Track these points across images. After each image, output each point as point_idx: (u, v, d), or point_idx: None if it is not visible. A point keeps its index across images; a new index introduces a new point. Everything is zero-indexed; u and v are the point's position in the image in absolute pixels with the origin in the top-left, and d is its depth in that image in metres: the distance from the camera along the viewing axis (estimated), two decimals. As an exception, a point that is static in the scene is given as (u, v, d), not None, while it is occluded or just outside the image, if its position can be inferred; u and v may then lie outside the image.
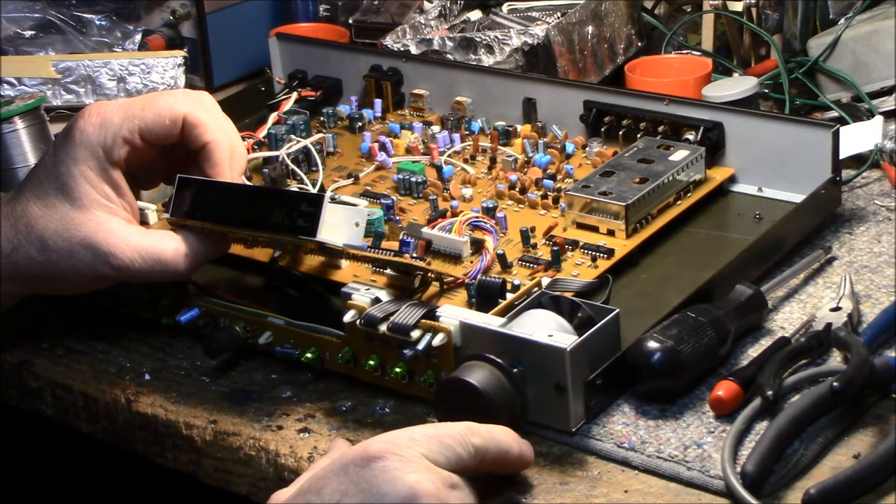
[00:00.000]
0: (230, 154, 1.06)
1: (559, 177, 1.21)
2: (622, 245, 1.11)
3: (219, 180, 1.05)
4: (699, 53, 1.45)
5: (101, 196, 1.04)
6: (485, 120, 1.31)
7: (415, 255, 1.09)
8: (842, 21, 1.39)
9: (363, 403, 1.02)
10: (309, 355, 1.04)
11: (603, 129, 1.26)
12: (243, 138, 1.14)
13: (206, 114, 1.06)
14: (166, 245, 1.04)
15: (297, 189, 1.22)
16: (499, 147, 1.28)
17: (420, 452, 0.85)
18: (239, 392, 1.05)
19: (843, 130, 1.18)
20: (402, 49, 1.40)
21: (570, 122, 1.28)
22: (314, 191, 1.20)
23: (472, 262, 1.10)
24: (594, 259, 1.10)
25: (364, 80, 1.39)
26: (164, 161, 1.10)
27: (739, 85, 1.29)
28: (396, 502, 0.83)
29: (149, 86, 1.47)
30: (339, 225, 1.01)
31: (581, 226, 1.14)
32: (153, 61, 1.48)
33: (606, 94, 1.27)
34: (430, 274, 1.05)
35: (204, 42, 1.55)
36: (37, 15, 1.57)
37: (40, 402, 1.12)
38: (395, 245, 1.10)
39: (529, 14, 1.49)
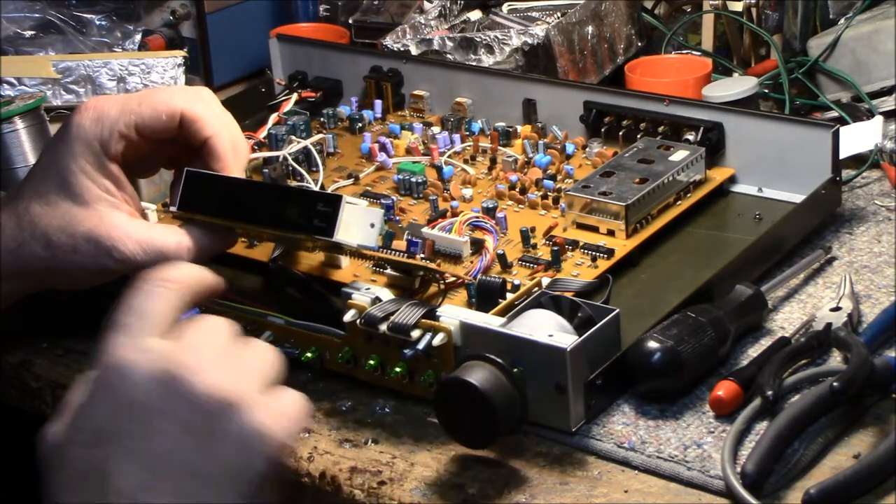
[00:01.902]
0: (232, 148, 1.06)
1: (559, 177, 1.21)
2: (622, 245, 1.11)
3: (229, 175, 1.05)
4: (699, 53, 1.45)
5: (102, 190, 1.04)
6: (485, 120, 1.31)
7: (423, 255, 1.09)
8: (842, 21, 1.39)
9: (363, 403, 1.02)
10: (309, 355, 1.04)
11: (603, 130, 1.26)
12: (243, 139, 1.14)
13: (204, 109, 1.06)
14: (169, 238, 1.03)
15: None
16: (499, 147, 1.28)
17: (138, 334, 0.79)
18: (239, 392, 1.05)
19: (843, 130, 1.18)
20: (402, 49, 1.40)
21: (570, 122, 1.28)
22: (316, 190, 1.20)
23: (472, 262, 1.10)
24: (594, 259, 1.10)
25: (364, 81, 1.39)
26: (162, 154, 1.10)
27: (739, 85, 1.29)
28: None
29: (149, 86, 1.47)
30: (355, 225, 1.01)
31: (581, 226, 1.14)
32: (153, 61, 1.48)
33: (606, 94, 1.27)
34: (445, 276, 1.05)
35: (204, 42, 1.55)
36: (37, 15, 1.57)
37: (40, 402, 1.12)
38: (401, 245, 1.10)
39: (529, 14, 1.49)
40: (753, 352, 1.03)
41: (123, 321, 0.80)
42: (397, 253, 1.05)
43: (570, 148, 1.25)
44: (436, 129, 1.31)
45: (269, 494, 0.77)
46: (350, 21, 1.57)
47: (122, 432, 0.76)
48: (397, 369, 1.00)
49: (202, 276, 0.83)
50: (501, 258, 1.09)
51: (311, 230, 1.00)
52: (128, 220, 1.04)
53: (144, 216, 1.10)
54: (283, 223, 1.02)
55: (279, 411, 0.78)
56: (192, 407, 0.76)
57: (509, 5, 1.50)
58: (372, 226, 1.02)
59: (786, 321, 1.07)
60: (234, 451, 0.76)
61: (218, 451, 0.76)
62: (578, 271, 1.08)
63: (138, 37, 1.57)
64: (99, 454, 0.76)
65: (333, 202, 1.00)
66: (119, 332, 0.79)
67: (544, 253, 1.11)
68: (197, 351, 0.78)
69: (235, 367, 0.78)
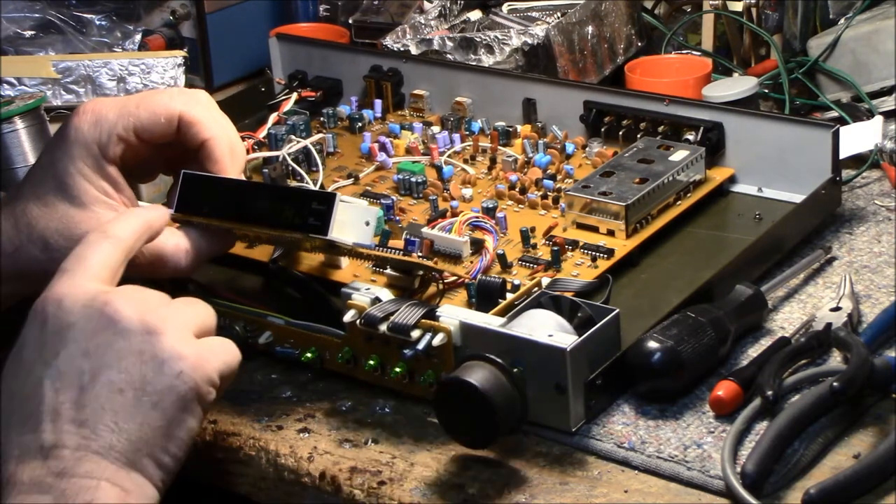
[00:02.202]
0: (230, 150, 1.06)
1: (559, 177, 1.21)
2: (622, 245, 1.11)
3: (226, 177, 1.05)
4: (699, 53, 1.45)
5: (100, 193, 1.04)
6: (485, 120, 1.31)
7: (420, 253, 1.09)
8: (842, 21, 1.39)
9: (363, 403, 1.02)
10: (309, 355, 1.04)
11: (603, 130, 1.26)
12: (243, 139, 1.14)
13: (202, 111, 1.06)
14: (167, 241, 1.03)
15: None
16: (499, 147, 1.27)
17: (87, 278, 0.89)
18: (239, 392, 1.05)
19: (843, 130, 1.18)
20: (402, 49, 1.40)
21: (570, 122, 1.28)
22: (310, 188, 1.20)
23: (472, 262, 1.10)
24: (594, 259, 1.10)
25: (364, 81, 1.39)
26: (160, 157, 1.10)
27: (739, 85, 1.29)
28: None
29: (149, 86, 1.47)
30: (350, 224, 1.01)
31: (581, 226, 1.14)
32: (153, 61, 1.48)
33: (606, 94, 1.27)
34: (444, 274, 1.05)
35: (204, 42, 1.55)
36: (37, 15, 1.57)
37: (40, 402, 1.12)
38: (399, 245, 1.10)
39: (529, 14, 1.49)
40: (753, 352, 1.03)
41: (64, 266, 0.89)
42: (394, 251, 1.05)
43: (570, 148, 1.25)
44: (436, 129, 1.31)
45: (192, 422, 0.88)
46: (350, 21, 1.57)
47: (53, 355, 0.86)
48: (397, 369, 1.00)
49: (141, 227, 0.94)
50: (501, 258, 1.09)
51: (306, 229, 1.00)
52: (126, 222, 1.04)
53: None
54: (279, 223, 1.02)
55: (203, 346, 0.88)
56: (117, 330, 0.86)
57: (509, 5, 1.50)
58: (367, 224, 1.02)
59: (786, 321, 1.07)
60: (153, 372, 0.86)
61: (139, 371, 0.86)
62: (578, 271, 1.08)
63: (138, 37, 1.57)
64: (32, 380, 0.85)
65: (327, 200, 1.00)
66: (59, 274, 0.89)
67: (544, 253, 1.11)
68: (127, 291, 0.88)
69: (161, 306, 0.88)
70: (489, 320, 0.98)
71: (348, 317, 1.01)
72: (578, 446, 0.96)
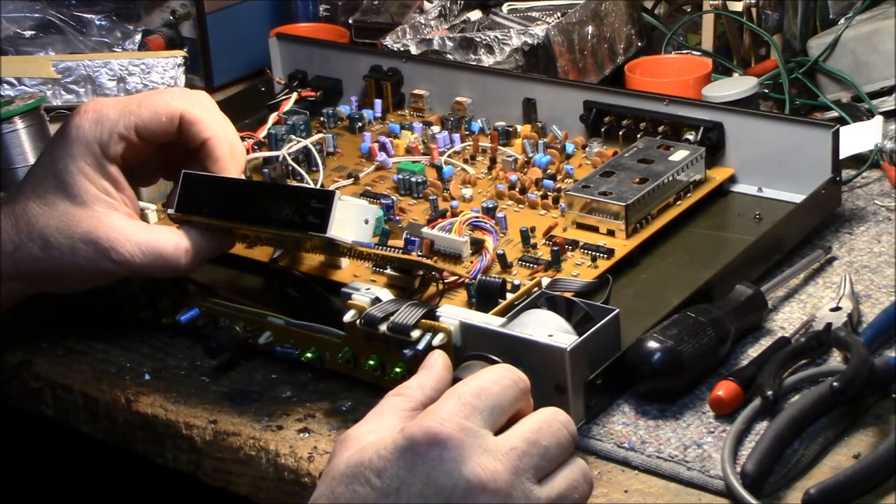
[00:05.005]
0: (230, 150, 1.06)
1: (559, 177, 1.21)
2: (622, 245, 1.11)
3: (225, 176, 1.05)
4: (699, 53, 1.45)
5: (101, 191, 1.04)
6: (485, 120, 1.31)
7: (420, 253, 1.09)
8: (842, 21, 1.39)
9: (363, 403, 1.02)
10: (309, 355, 1.04)
11: (603, 130, 1.26)
12: (243, 139, 1.14)
13: (203, 111, 1.06)
14: (167, 240, 1.04)
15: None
16: (499, 147, 1.28)
17: (479, 426, 0.81)
18: (239, 392, 1.05)
19: (843, 130, 1.18)
20: (402, 49, 1.40)
21: (570, 122, 1.28)
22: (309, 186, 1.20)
23: (472, 262, 1.10)
24: (594, 259, 1.10)
25: (364, 81, 1.39)
26: (161, 158, 1.10)
27: (739, 85, 1.29)
28: (456, 497, 0.79)
29: (149, 86, 1.47)
30: (349, 222, 1.01)
31: (581, 226, 1.14)
32: (153, 61, 1.48)
33: (606, 94, 1.27)
34: (444, 274, 1.05)
35: (204, 42, 1.55)
36: (37, 15, 1.57)
37: (40, 402, 1.12)
38: (399, 244, 1.10)
39: (529, 14, 1.49)
40: (753, 352, 1.03)
41: (473, 401, 0.82)
42: (393, 249, 1.05)
43: (570, 148, 1.25)
44: (436, 129, 1.31)
45: None
46: (350, 21, 1.57)
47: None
48: (397, 369, 1.00)
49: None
50: (501, 258, 1.09)
51: (306, 227, 1.01)
52: (126, 221, 1.04)
53: (144, 217, 1.10)
54: (279, 222, 1.02)
55: None
56: None
57: (509, 5, 1.50)
58: (366, 222, 1.02)
59: (786, 321, 1.07)
60: None
61: None
62: (578, 271, 1.08)
63: (138, 37, 1.57)
64: None
65: (327, 198, 1.00)
66: (466, 411, 0.81)
67: (544, 253, 1.11)
68: (520, 479, 0.80)
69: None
70: (489, 320, 0.98)
71: (348, 317, 1.01)
72: (578, 446, 0.95)
